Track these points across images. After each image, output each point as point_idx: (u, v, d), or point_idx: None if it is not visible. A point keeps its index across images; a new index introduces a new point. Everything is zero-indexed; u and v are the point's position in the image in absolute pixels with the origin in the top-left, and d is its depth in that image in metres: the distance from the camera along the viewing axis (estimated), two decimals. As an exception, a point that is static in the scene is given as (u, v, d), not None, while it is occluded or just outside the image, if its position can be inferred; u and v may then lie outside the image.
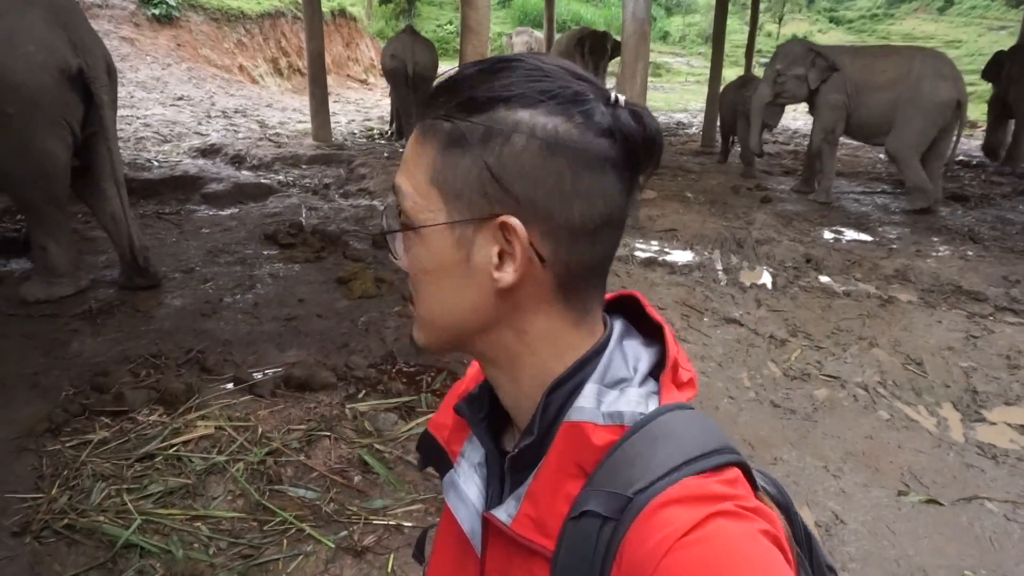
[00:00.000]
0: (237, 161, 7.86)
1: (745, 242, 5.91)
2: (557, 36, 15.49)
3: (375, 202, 6.85)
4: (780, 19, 34.64)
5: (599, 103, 0.55)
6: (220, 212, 6.14)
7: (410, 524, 2.41)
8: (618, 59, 13.68)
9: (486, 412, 0.67)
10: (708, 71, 11.64)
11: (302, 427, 2.90)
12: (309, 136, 9.19)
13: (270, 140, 8.89)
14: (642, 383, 0.59)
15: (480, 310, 0.59)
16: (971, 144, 12.50)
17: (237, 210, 6.24)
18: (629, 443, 0.54)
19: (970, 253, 5.92)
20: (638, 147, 0.56)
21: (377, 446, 2.83)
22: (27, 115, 3.60)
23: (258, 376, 3.30)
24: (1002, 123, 9.60)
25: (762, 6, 19.39)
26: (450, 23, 27.90)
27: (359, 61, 17.88)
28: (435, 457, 0.72)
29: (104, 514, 2.36)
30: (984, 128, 11.26)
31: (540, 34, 18.42)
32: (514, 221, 0.54)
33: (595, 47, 13.39)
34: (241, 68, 13.32)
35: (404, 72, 8.76)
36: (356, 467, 2.72)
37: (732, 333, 4.13)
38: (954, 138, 7.11)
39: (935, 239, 6.32)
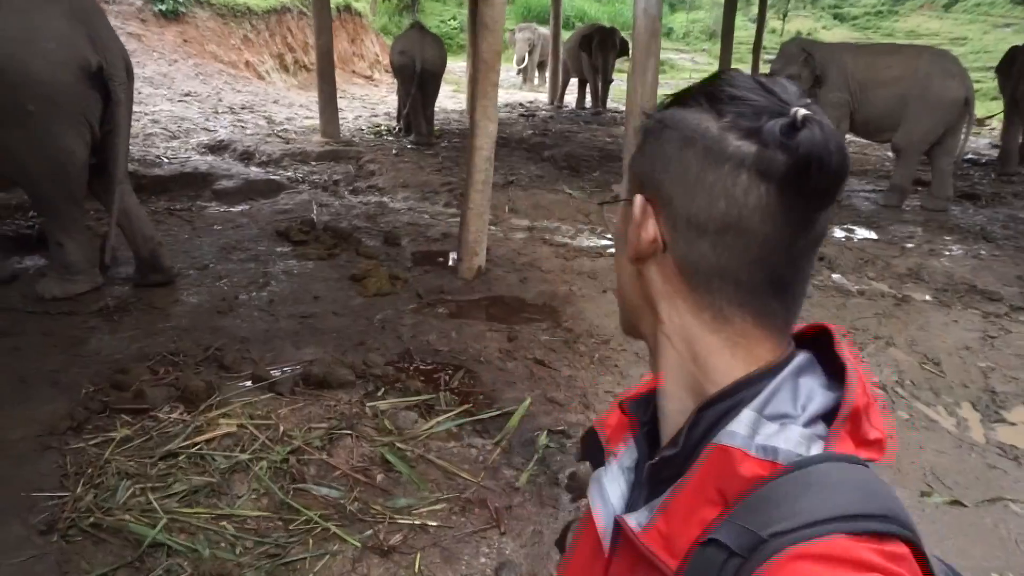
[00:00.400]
0: (246, 157, 7.85)
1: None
2: (567, 34, 15.46)
3: (385, 199, 6.84)
4: (784, 16, 34.49)
5: (768, 114, 0.54)
6: (231, 209, 6.13)
7: (435, 523, 2.41)
8: (626, 56, 13.71)
9: (650, 417, 0.67)
10: (712, 68, 11.61)
11: (323, 425, 2.90)
12: (317, 132, 9.17)
13: (278, 136, 8.87)
14: (808, 424, 0.55)
15: (630, 286, 0.65)
16: (979, 143, 12.46)
17: (248, 207, 6.23)
18: (778, 482, 0.51)
19: (983, 252, 5.91)
20: (800, 165, 0.53)
21: (399, 444, 2.82)
22: (47, 112, 3.60)
23: (276, 374, 3.30)
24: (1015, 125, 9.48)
25: (767, 3, 19.30)
26: (454, 19, 27.81)
27: (364, 57, 17.83)
28: (594, 452, 0.72)
29: (130, 512, 2.35)
30: (996, 128, 11.14)
31: (544, 30, 18.37)
32: (637, 198, 0.61)
33: (604, 43, 13.38)
34: (247, 64, 13.29)
35: (413, 68, 8.73)
36: (378, 465, 2.71)
37: (748, 332, 4.12)
38: (963, 136, 7.11)
39: (947, 238, 6.31)
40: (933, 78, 6.83)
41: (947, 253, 5.85)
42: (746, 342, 0.59)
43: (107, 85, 3.77)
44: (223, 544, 2.27)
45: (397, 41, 9.40)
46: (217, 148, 8.04)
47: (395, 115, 10.62)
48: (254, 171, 7.26)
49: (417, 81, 8.80)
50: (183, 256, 4.79)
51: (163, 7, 12.05)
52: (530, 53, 18.92)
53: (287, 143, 8.53)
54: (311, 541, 2.29)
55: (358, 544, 2.28)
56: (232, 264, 4.73)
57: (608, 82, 13.96)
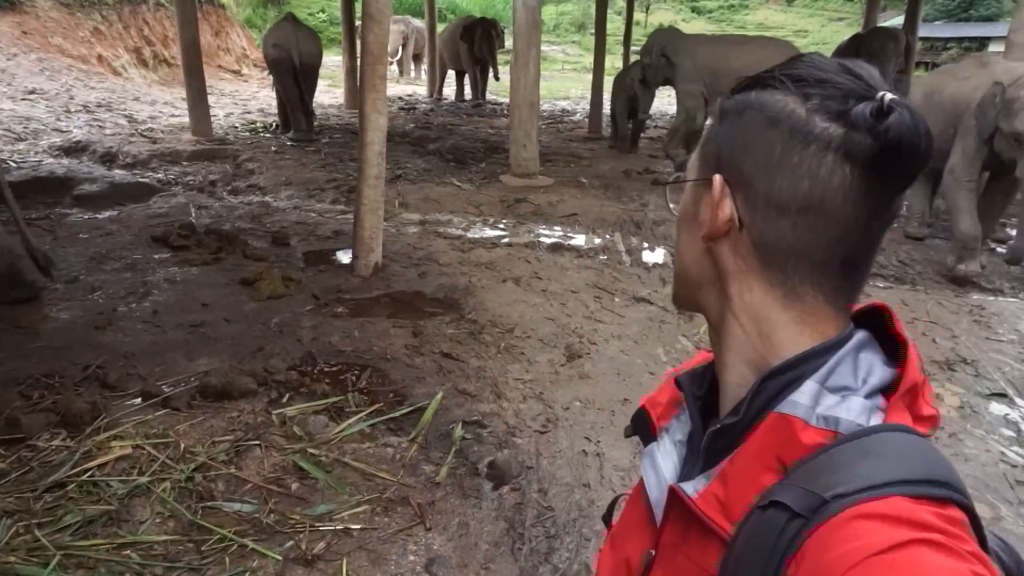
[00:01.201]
0: (108, 159, 7.27)
1: (643, 224, 6.15)
2: (441, 26, 15.38)
3: (268, 198, 6.55)
4: (647, 9, 35.92)
5: (855, 98, 0.56)
6: (97, 215, 5.67)
7: (358, 527, 2.35)
8: (504, 48, 13.83)
9: (705, 391, 0.69)
10: (583, 59, 11.97)
11: (228, 438, 2.75)
12: (187, 131, 8.63)
13: (143, 136, 8.28)
14: (868, 397, 0.57)
15: (697, 263, 0.65)
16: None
17: (117, 212, 5.78)
18: (839, 449, 0.52)
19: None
20: (889, 148, 0.54)
21: (311, 450, 2.73)
22: None
23: (169, 389, 3.10)
24: None
25: (634, -4, 20.04)
26: (323, 11, 26.95)
27: (231, 51, 16.94)
28: (641, 428, 0.74)
29: (14, 553, 2.14)
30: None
31: (419, 22, 18.20)
32: (716, 178, 0.61)
33: (487, 35, 13.42)
34: (100, 59, 12.27)
35: (290, 62, 8.40)
36: (292, 474, 2.62)
37: (643, 311, 4.30)
38: None
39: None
40: None
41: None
42: (814, 319, 0.60)
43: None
44: (128, 575, 2.11)
45: (270, 34, 8.99)
46: (73, 150, 7.40)
47: (271, 111, 10.19)
48: (119, 174, 6.74)
49: (295, 75, 8.48)
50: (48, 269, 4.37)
51: (-5, -4, 10.92)
52: (403, 46, 18.68)
53: (154, 143, 7.98)
54: (227, 560, 2.18)
55: (279, 557, 2.19)
56: (105, 275, 4.38)
57: (492, 73, 13.99)
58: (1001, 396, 3.46)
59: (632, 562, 0.68)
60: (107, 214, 5.71)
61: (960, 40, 28.51)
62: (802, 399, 0.56)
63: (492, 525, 2.43)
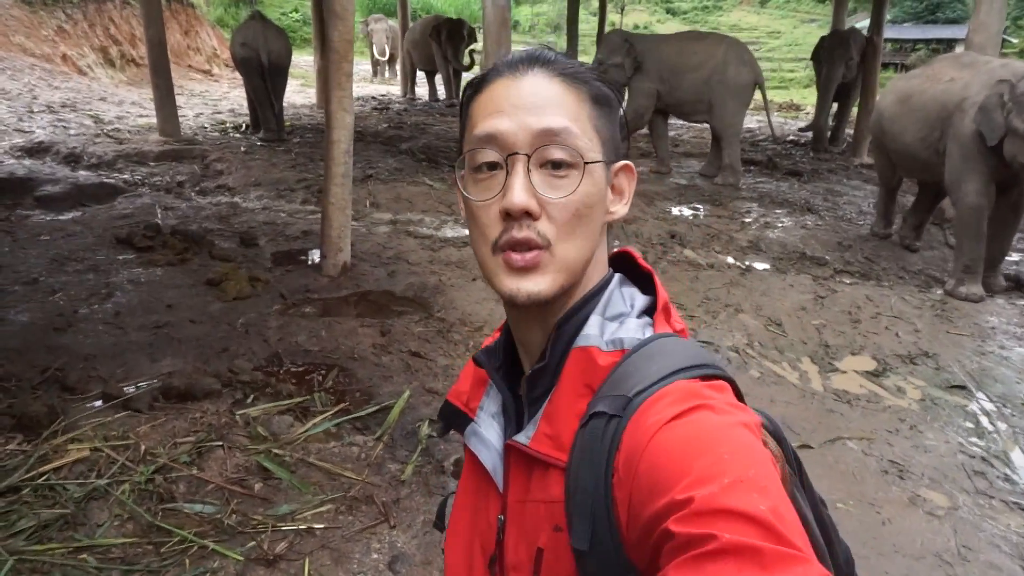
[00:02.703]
0: (72, 160, 7.13)
1: (614, 223, 6.16)
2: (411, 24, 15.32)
3: (237, 199, 6.47)
4: (622, 10, 36.12)
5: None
6: (59, 216, 5.55)
7: (321, 526, 2.34)
8: (474, 46, 13.82)
9: (501, 362, 0.75)
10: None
11: (190, 439, 2.71)
12: (154, 131, 8.49)
13: (109, 136, 8.13)
14: (638, 317, 0.69)
15: (595, 244, 0.69)
16: (796, 125, 13.76)
17: (80, 213, 5.67)
18: (629, 360, 0.63)
19: (809, 222, 6.55)
20: None
21: (275, 451, 2.71)
22: None
23: (131, 390, 3.05)
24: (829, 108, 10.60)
25: (607, -3, 20.13)
26: (295, 11, 26.74)
27: (201, 51, 16.72)
28: (454, 420, 0.78)
29: (-34, 559, 2.09)
30: (811, 112, 12.44)
31: (393, 22, 18.11)
32: (631, 164, 0.70)
33: (452, 34, 13.40)
34: (65, 58, 12.03)
35: (258, 61, 8.30)
36: (255, 474, 2.59)
37: (613, 309, 4.31)
38: (767, 118, 8.06)
39: (778, 211, 6.93)
40: (729, 65, 7.70)
41: (780, 225, 6.43)
42: (600, 267, 0.72)
43: None
44: (85, 578, 2.07)
45: (237, 33, 8.87)
46: (36, 151, 7.25)
47: (241, 112, 10.07)
48: (84, 175, 6.62)
49: (263, 75, 8.38)
50: (5, 271, 4.28)
51: (-45, -6, 10.66)
52: (388, 44, 18.59)
53: (120, 144, 7.85)
54: (187, 561, 2.15)
55: (240, 557, 2.16)
56: (67, 276, 4.29)
57: (460, 72, 13.99)
58: (960, 388, 3.54)
59: (485, 540, 0.71)
60: (70, 215, 5.60)
61: (928, 42, 29.14)
62: (592, 331, 0.66)
63: (457, 522, 2.42)
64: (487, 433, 0.73)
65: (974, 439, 3.11)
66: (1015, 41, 25.81)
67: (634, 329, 0.66)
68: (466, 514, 0.75)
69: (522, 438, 0.66)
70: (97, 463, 2.53)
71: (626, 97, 8.25)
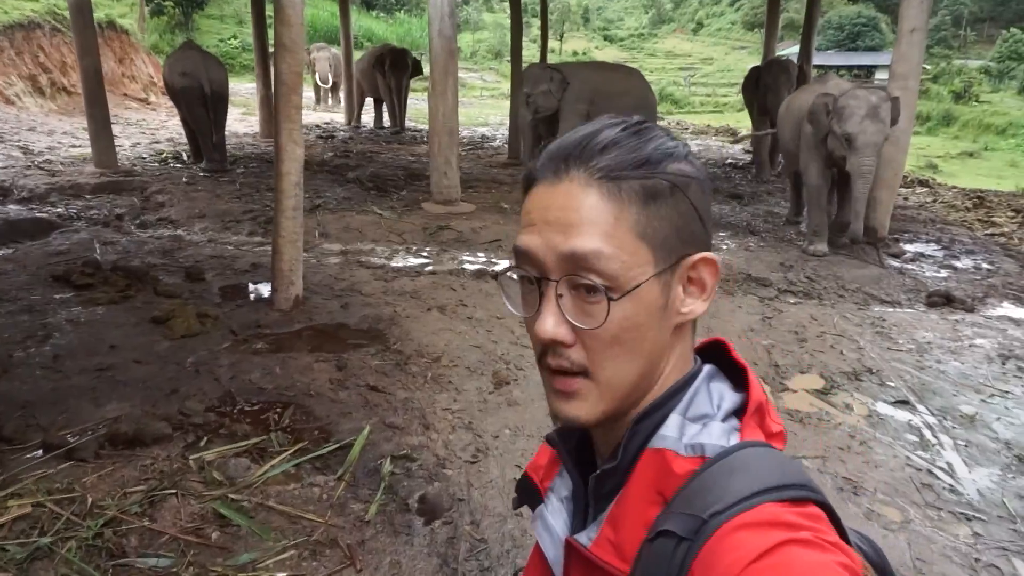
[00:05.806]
0: (1, 194, 6.82)
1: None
2: (357, 54, 15.32)
3: (180, 231, 6.29)
4: (561, 36, 36.91)
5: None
6: (-11, 254, 5.30)
7: (284, 574, 2.26)
8: (420, 76, 13.89)
9: (575, 443, 0.70)
10: (501, 85, 12.21)
11: (140, 488, 2.60)
12: (89, 162, 8.21)
13: (41, 168, 7.82)
14: (724, 420, 0.62)
15: (661, 352, 0.63)
16: (736, 149, 14.24)
17: (11, 251, 5.42)
18: (708, 472, 0.57)
19: (752, 244, 6.76)
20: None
21: (232, 496, 2.61)
22: None
23: (74, 439, 2.91)
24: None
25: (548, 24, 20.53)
26: (234, 37, 26.37)
27: (136, 79, 16.30)
28: (528, 497, 0.74)
29: None
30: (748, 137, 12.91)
31: (336, 50, 18.06)
32: (712, 255, 0.62)
33: (396, 63, 13.45)
34: (-10, 87, 11.57)
35: (200, 91, 8.14)
36: (212, 522, 2.49)
37: (569, 335, 4.34)
38: None
39: (723, 233, 7.13)
40: (648, 91, 8.86)
41: (724, 247, 6.61)
42: (683, 362, 0.66)
43: None
44: (31, 645, 1.95)
45: (175, 63, 8.65)
46: (-40, 185, 6.91)
47: (181, 141, 9.84)
48: (14, 209, 6.34)
49: (205, 104, 8.23)
50: (-69, 314, 4.05)
51: None
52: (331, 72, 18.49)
53: (53, 176, 7.56)
54: (143, 620, 2.05)
55: (200, 612, 2.08)
56: (-1, 318, 4.09)
57: (405, 100, 14.05)
58: (904, 403, 3.68)
59: None
60: (0, 253, 5.35)
61: (850, 68, 30.83)
62: (670, 432, 0.60)
63: (425, 562, 2.38)
64: (553, 520, 0.68)
65: (920, 452, 3.23)
66: (928, 68, 27.54)
67: (718, 434, 0.59)
68: None
69: (583, 538, 0.62)
70: (40, 519, 2.39)
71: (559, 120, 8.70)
